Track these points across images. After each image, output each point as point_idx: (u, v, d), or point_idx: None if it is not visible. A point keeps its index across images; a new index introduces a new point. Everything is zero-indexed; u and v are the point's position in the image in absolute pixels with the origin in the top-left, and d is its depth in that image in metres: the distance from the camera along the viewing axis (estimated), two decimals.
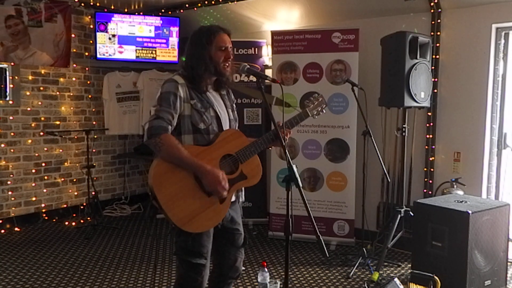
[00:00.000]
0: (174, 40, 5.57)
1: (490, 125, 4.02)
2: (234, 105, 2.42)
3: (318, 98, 2.48)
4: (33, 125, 5.09)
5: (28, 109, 5.04)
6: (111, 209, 5.71)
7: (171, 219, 2.01)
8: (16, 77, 4.94)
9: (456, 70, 4.09)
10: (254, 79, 2.20)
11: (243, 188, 2.36)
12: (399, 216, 3.82)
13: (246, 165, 2.23)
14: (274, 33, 4.62)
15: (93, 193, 5.20)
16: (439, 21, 4.11)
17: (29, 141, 5.07)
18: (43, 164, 5.20)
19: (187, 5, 5.39)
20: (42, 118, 5.17)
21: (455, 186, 3.97)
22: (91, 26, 5.51)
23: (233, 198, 2.28)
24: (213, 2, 5.11)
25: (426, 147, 4.24)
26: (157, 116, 2.04)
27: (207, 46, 2.18)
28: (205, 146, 2.15)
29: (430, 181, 4.23)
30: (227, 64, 2.23)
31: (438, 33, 4.12)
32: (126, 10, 5.75)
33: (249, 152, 2.22)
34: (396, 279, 2.86)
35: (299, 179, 1.94)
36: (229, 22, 5.32)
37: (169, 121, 2.06)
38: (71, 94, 5.45)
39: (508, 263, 3.51)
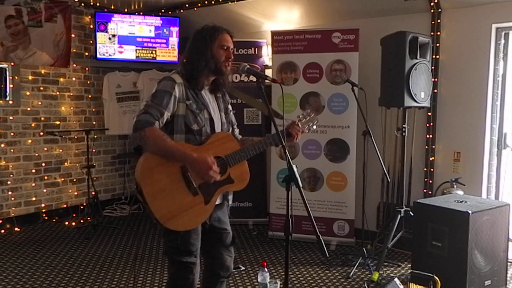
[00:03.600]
0: (174, 40, 5.57)
1: (490, 125, 4.02)
2: (230, 107, 2.42)
3: (310, 114, 2.45)
4: (33, 125, 5.09)
5: (28, 109, 5.04)
6: (111, 209, 5.71)
7: (154, 214, 2.01)
8: (16, 77, 4.94)
9: (456, 70, 4.09)
10: (254, 79, 2.20)
11: (232, 192, 2.36)
12: (399, 216, 3.82)
13: (234, 169, 2.22)
14: (274, 33, 4.62)
15: (93, 193, 5.20)
16: (439, 21, 4.11)
17: (29, 141, 5.07)
18: (43, 164, 5.20)
19: (187, 5, 5.39)
20: (42, 118, 5.17)
21: (455, 186, 3.97)
22: (91, 26, 5.51)
23: (219, 201, 2.26)
24: (213, 2, 5.11)
25: (426, 147, 4.24)
26: (145, 111, 2.04)
27: (210, 42, 2.19)
28: (196, 146, 2.16)
29: (430, 181, 4.23)
30: (227, 64, 2.23)
31: (438, 33, 4.12)
32: (126, 10, 5.75)
33: (239, 157, 2.21)
34: (396, 279, 2.87)
35: (299, 179, 1.94)
36: (229, 22, 5.29)
37: (157, 117, 2.05)
38: (71, 94, 5.45)
39: (508, 263, 3.51)
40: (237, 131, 2.48)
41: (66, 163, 5.43)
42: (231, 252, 2.45)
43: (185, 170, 2.08)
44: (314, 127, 2.46)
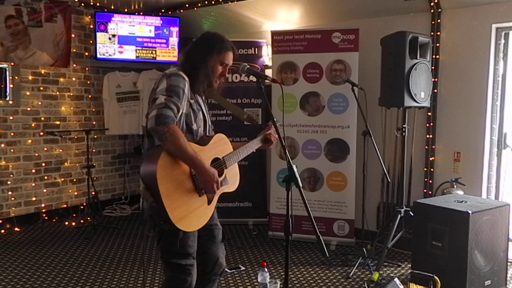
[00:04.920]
0: (174, 40, 5.57)
1: (490, 125, 4.02)
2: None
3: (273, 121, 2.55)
4: (33, 125, 5.09)
5: (28, 109, 5.04)
6: (111, 209, 5.71)
7: (167, 213, 1.97)
8: (16, 77, 4.94)
9: (456, 70, 4.09)
10: (254, 79, 2.21)
11: None
12: (399, 216, 3.82)
13: (229, 171, 2.28)
14: (274, 33, 4.62)
15: (93, 193, 5.20)
16: (439, 21, 4.11)
17: (29, 141, 5.07)
18: (43, 164, 5.20)
19: (187, 5, 5.39)
20: (42, 118, 5.17)
21: (455, 186, 3.97)
22: (91, 26, 5.51)
23: None
24: (213, 2, 5.11)
25: (426, 147, 4.24)
26: (166, 105, 1.98)
27: (215, 55, 2.20)
28: (200, 146, 2.17)
29: (430, 181, 4.23)
30: (218, 79, 2.27)
31: (438, 33, 4.12)
32: (126, 10, 5.75)
33: (233, 159, 2.29)
34: (396, 279, 2.87)
35: (299, 179, 1.94)
36: (229, 22, 5.32)
37: (176, 113, 2.03)
38: (71, 94, 5.45)
39: (508, 263, 3.51)
40: (212, 133, 2.49)
41: (66, 163, 5.43)
42: (223, 249, 2.47)
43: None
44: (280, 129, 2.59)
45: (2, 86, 4.89)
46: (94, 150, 5.62)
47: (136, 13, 5.56)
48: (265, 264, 3.30)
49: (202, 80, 2.20)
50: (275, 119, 2.20)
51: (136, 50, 5.50)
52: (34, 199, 5.14)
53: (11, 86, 4.93)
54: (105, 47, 5.39)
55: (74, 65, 5.44)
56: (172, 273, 2.21)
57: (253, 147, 2.43)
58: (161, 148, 2.00)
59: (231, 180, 2.31)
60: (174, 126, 1.97)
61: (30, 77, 5.06)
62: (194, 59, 2.19)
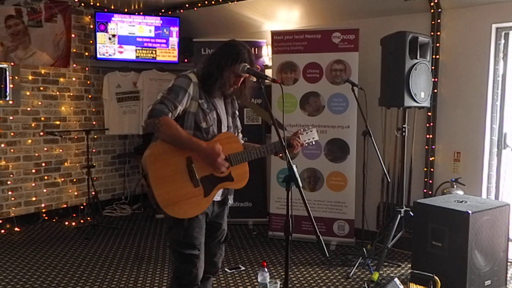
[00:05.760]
0: (174, 40, 5.57)
1: (490, 125, 4.02)
2: (237, 113, 2.51)
3: (311, 129, 2.56)
4: (33, 125, 5.09)
5: (28, 109, 5.05)
6: (111, 209, 5.71)
7: (156, 198, 2.09)
8: (16, 77, 4.94)
9: (456, 70, 4.09)
10: (254, 79, 2.22)
11: (233, 192, 2.45)
12: (399, 216, 3.82)
13: (235, 169, 2.32)
14: (274, 33, 4.62)
15: (93, 193, 5.20)
16: (439, 21, 4.12)
17: (29, 141, 5.07)
18: (43, 164, 5.20)
19: (187, 5, 5.40)
20: (42, 118, 5.17)
21: (455, 186, 3.97)
22: (91, 26, 5.51)
23: (219, 198, 2.37)
24: (213, 2, 5.11)
25: (426, 147, 4.25)
26: (161, 102, 2.14)
27: (230, 65, 2.25)
28: (202, 141, 2.23)
29: (430, 181, 4.23)
30: (231, 89, 2.33)
31: (438, 33, 4.12)
32: (126, 10, 5.75)
33: (241, 158, 2.32)
34: (396, 279, 2.87)
35: (299, 179, 1.95)
36: (229, 22, 5.32)
37: (171, 109, 2.15)
38: (71, 94, 5.45)
39: (508, 263, 3.51)
40: (240, 136, 2.54)
41: (66, 163, 5.43)
42: (222, 250, 2.54)
43: (190, 161, 2.18)
44: (313, 142, 2.56)
45: (2, 86, 4.89)
46: (94, 150, 5.62)
47: (136, 13, 5.57)
48: (265, 264, 3.30)
49: (215, 86, 2.27)
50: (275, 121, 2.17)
51: (136, 50, 5.50)
52: (34, 199, 5.14)
53: (11, 86, 4.93)
54: (105, 47, 5.39)
55: (74, 65, 5.44)
56: (178, 264, 2.28)
57: (270, 150, 2.39)
58: (156, 139, 2.17)
59: (238, 178, 2.34)
60: (165, 117, 2.12)
61: (30, 77, 5.06)
62: (211, 65, 2.27)
